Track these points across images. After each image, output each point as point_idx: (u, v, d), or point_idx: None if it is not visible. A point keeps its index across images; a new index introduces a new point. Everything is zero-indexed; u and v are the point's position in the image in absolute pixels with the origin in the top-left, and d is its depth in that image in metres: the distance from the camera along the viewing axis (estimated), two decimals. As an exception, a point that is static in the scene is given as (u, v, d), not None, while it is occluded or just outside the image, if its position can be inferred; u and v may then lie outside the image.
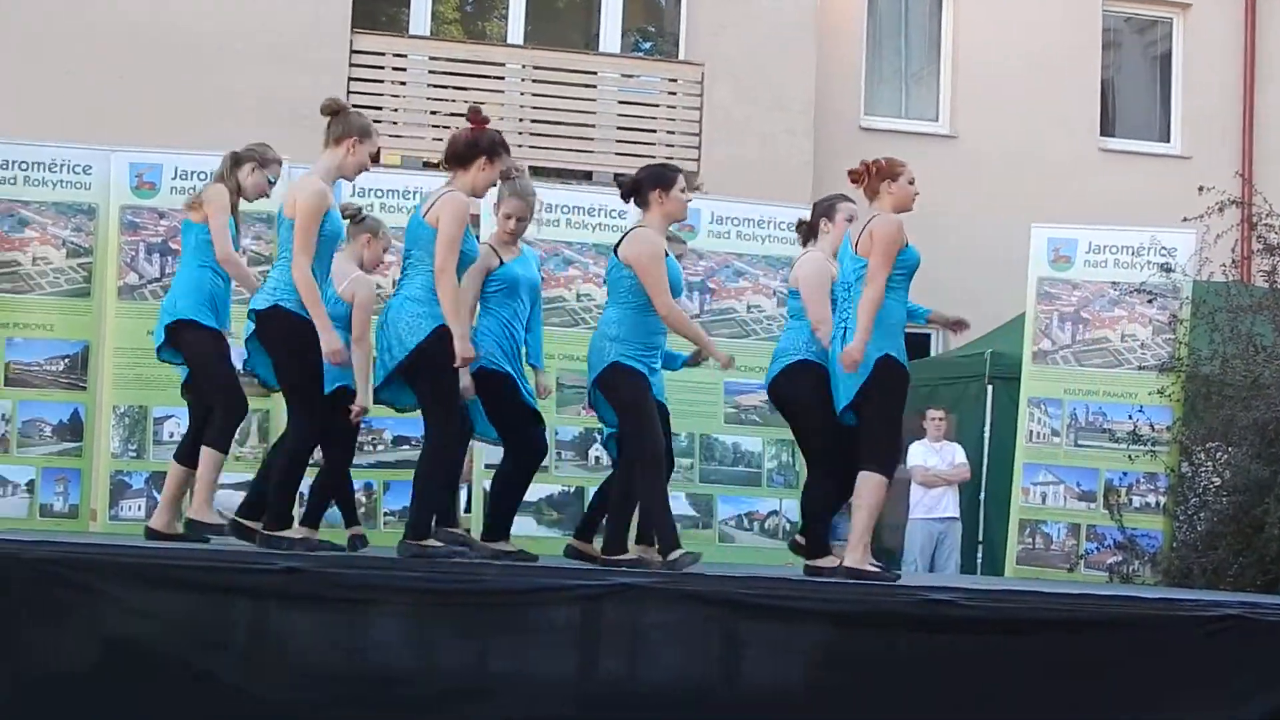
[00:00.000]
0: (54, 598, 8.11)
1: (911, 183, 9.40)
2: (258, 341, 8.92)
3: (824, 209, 9.98)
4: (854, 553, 9.10)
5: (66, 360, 11.89)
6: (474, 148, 9.10)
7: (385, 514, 11.74)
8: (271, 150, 9.75)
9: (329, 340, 8.74)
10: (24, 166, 12.00)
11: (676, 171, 9.53)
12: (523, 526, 11.63)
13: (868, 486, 9.10)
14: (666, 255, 9.26)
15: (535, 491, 11.78)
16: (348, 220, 9.90)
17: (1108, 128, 20.37)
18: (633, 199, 9.55)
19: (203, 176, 11.19)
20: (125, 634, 8.14)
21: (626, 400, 9.23)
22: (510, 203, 9.70)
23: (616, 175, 9.84)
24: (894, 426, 9.34)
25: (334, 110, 9.27)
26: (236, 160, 9.87)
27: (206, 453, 9.38)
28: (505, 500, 9.74)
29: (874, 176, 9.37)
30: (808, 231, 10.10)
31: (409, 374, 8.76)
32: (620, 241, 9.42)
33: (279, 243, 8.99)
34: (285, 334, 8.80)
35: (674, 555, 9.03)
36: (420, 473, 8.84)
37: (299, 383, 8.87)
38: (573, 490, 11.96)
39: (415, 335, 8.65)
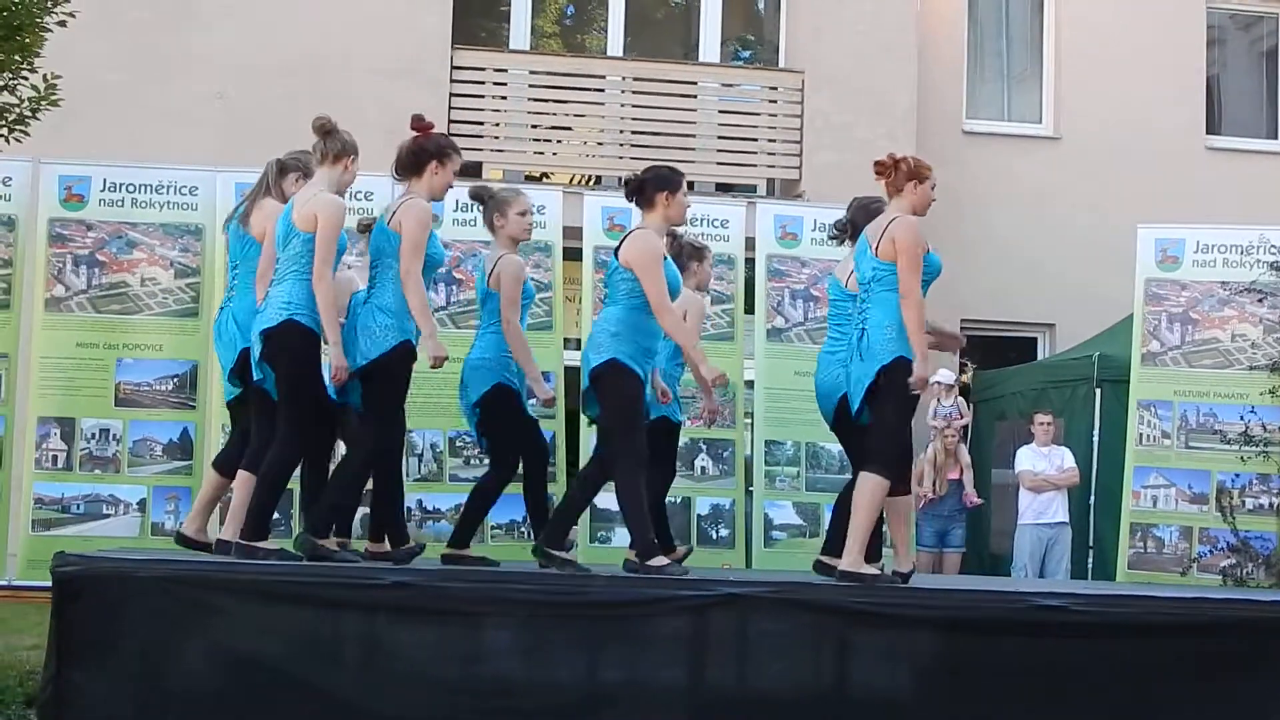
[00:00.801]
0: (170, 615, 8.22)
1: (933, 188, 9.37)
2: (268, 359, 8.92)
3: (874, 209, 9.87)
4: (849, 555, 8.94)
5: (175, 380, 12.04)
6: (422, 154, 9.25)
7: (492, 527, 11.77)
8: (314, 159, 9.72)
9: (338, 357, 8.85)
10: (131, 189, 12.17)
11: (681, 175, 9.47)
12: (628, 538, 11.68)
13: (867, 487, 8.94)
14: (665, 258, 9.23)
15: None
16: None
17: (1213, 126, 20.11)
18: (635, 199, 9.41)
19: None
20: (240, 650, 8.24)
21: (617, 398, 9.12)
22: (519, 202, 9.84)
23: (621, 178, 9.68)
24: (902, 429, 9.18)
25: (328, 130, 9.26)
26: (282, 169, 9.81)
27: (246, 475, 9.26)
28: (483, 511, 9.85)
29: (901, 174, 9.29)
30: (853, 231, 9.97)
31: (365, 379, 8.91)
32: (620, 243, 9.35)
33: (289, 258, 8.90)
34: (299, 348, 8.87)
35: (654, 562, 8.96)
36: (342, 476, 9.09)
37: (303, 398, 8.91)
38: (678, 500, 11.94)
39: (379, 346, 8.83)
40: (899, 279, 8.93)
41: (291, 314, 8.81)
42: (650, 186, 9.31)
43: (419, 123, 9.37)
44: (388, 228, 8.99)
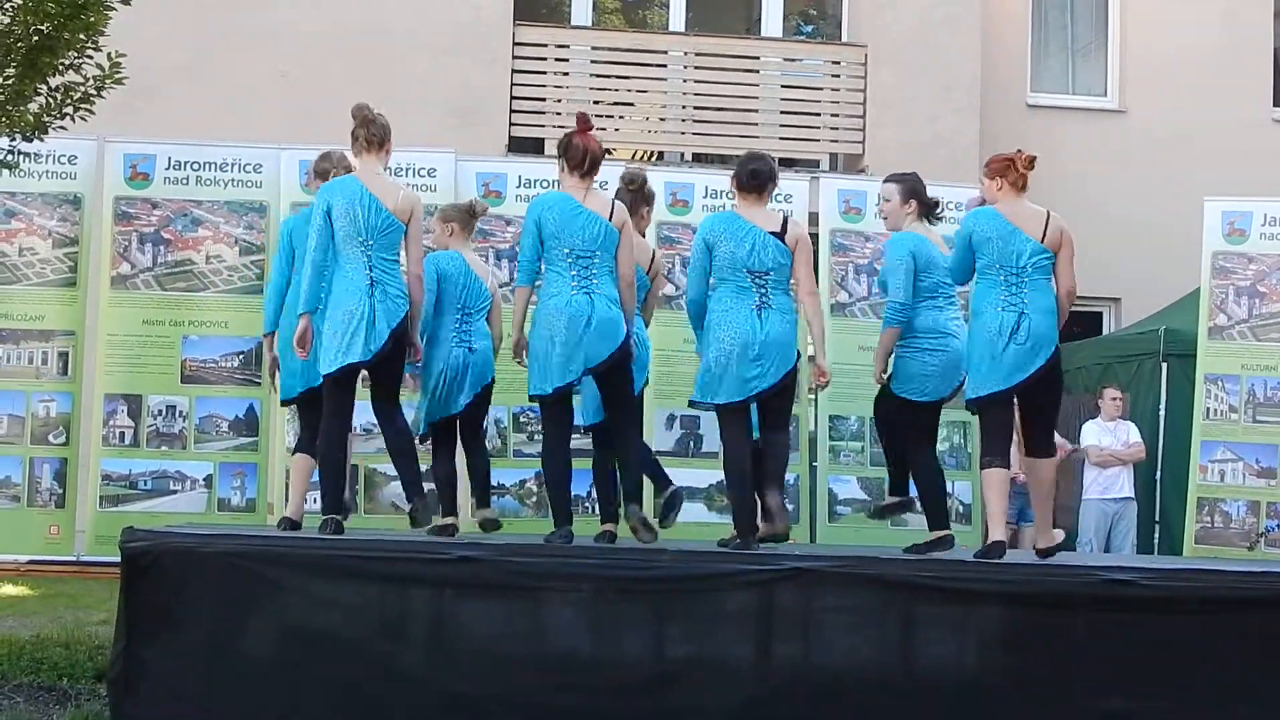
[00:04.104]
0: (237, 590, 8.26)
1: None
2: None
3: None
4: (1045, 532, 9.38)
5: (241, 356, 12.09)
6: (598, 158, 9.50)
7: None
8: (348, 157, 9.70)
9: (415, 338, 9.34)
10: (195, 167, 12.22)
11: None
12: (694, 513, 11.69)
13: (1050, 466, 9.45)
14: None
15: (706, 477, 11.85)
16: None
17: (1281, 97, 19.99)
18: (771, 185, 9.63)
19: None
20: (306, 625, 8.28)
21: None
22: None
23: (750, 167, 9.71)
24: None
25: (369, 118, 9.31)
26: (321, 174, 9.89)
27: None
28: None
29: (1022, 172, 9.30)
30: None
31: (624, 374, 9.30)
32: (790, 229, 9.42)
33: (389, 245, 9.11)
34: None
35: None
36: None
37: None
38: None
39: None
40: (1066, 267, 9.19)
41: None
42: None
43: (585, 123, 9.40)
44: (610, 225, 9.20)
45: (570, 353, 8.97)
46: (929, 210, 9.88)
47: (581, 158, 9.22)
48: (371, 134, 9.22)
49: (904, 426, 9.64)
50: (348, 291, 8.92)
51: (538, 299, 9.14)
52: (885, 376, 9.61)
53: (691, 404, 9.53)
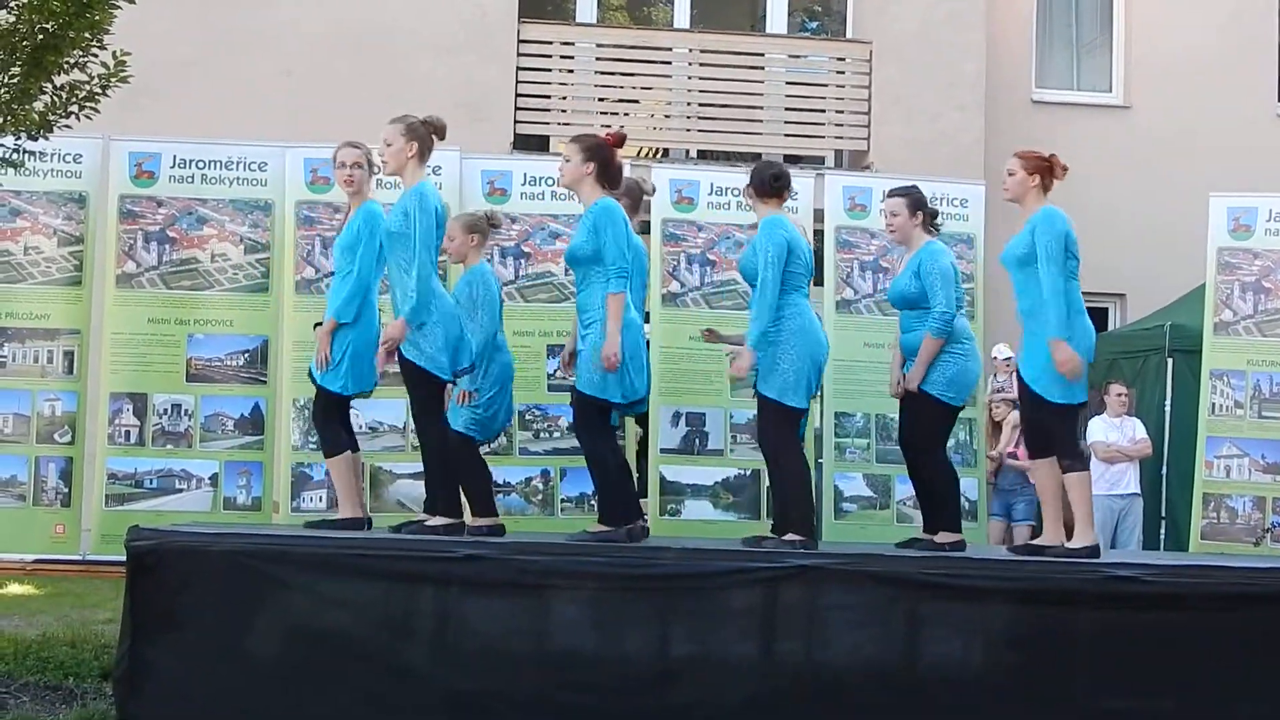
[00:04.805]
0: (242, 589, 8.27)
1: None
2: None
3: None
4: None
5: (246, 355, 12.07)
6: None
7: (562, 500, 11.80)
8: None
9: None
10: (201, 165, 12.19)
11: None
12: (699, 510, 11.70)
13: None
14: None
15: (711, 475, 11.84)
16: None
17: (1286, 93, 19.97)
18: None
19: (375, 169, 11.30)
20: (311, 623, 8.31)
21: None
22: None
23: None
24: None
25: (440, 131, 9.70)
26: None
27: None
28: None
29: (1058, 177, 9.54)
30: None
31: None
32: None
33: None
34: None
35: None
36: None
37: None
38: (749, 473, 11.93)
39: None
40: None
41: None
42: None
43: (616, 138, 9.58)
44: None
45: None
46: (930, 220, 10.01)
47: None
48: (423, 145, 9.66)
49: (925, 431, 9.78)
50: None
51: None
52: (901, 389, 9.75)
53: (773, 403, 9.56)
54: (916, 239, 9.97)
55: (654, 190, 10.73)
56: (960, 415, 10.31)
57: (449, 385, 9.54)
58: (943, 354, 9.67)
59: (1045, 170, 9.52)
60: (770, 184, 9.60)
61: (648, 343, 9.90)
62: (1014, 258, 9.41)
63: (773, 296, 9.33)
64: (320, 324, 9.79)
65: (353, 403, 10.00)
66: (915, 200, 10.05)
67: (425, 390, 9.39)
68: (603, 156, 9.36)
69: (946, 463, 9.94)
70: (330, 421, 9.79)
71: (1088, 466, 9.63)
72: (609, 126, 17.69)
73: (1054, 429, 9.33)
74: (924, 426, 9.78)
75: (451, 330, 9.33)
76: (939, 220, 10.25)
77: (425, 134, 9.61)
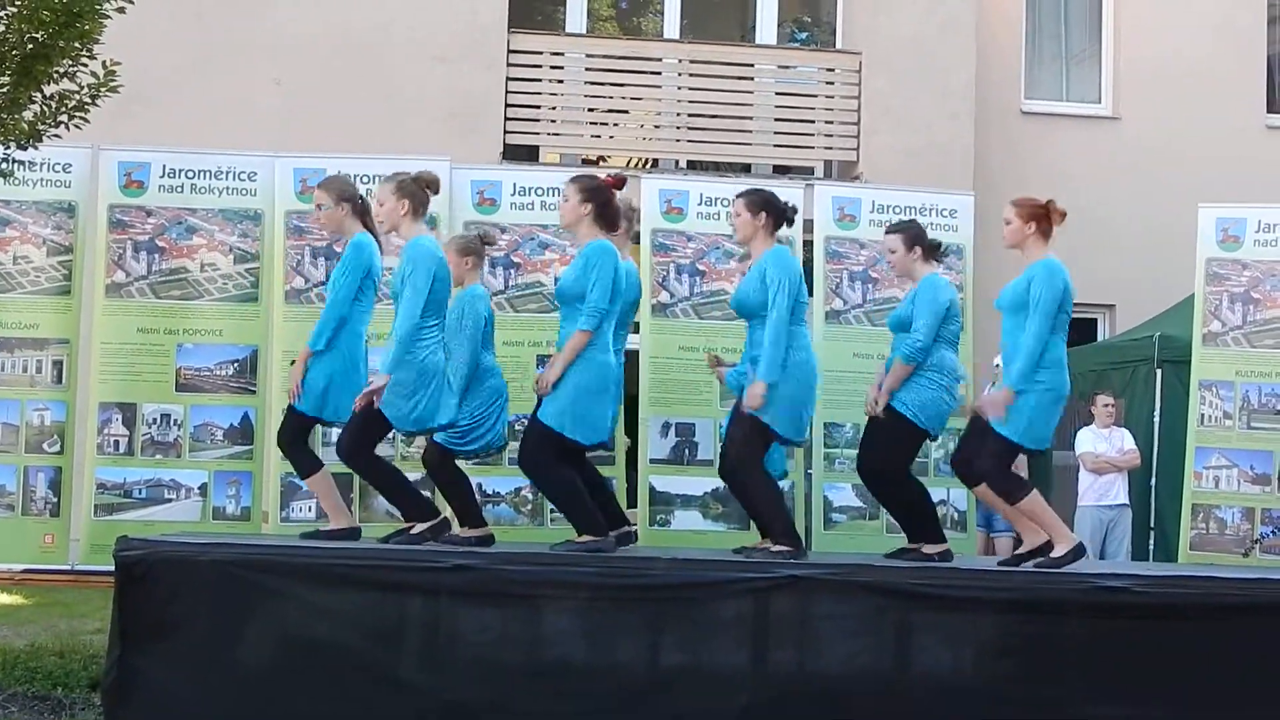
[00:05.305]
0: (232, 599, 8.27)
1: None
2: None
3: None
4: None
5: (236, 365, 12.08)
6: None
7: (551, 510, 11.78)
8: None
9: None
10: (190, 175, 12.20)
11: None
12: (688, 521, 11.71)
13: None
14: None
15: (701, 485, 11.85)
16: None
17: (1274, 104, 19.95)
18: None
19: (365, 179, 11.32)
20: (301, 633, 8.30)
21: None
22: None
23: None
24: None
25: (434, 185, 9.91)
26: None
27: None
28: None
29: (1055, 224, 9.80)
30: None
31: None
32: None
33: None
34: None
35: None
36: None
37: None
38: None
39: None
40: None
41: None
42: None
43: (616, 181, 9.73)
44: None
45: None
46: (933, 253, 10.04)
47: None
48: (417, 200, 9.73)
49: (896, 451, 9.80)
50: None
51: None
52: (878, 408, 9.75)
53: (777, 438, 9.65)
54: (918, 271, 9.99)
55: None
56: (950, 426, 10.32)
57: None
58: (923, 379, 9.67)
59: (1042, 217, 9.54)
60: (782, 216, 9.82)
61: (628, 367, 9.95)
62: (1008, 305, 9.43)
63: (785, 326, 9.35)
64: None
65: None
66: (913, 235, 10.07)
67: (376, 426, 9.49)
68: (601, 198, 9.42)
69: (911, 480, 9.94)
70: (297, 443, 9.77)
71: (1028, 485, 9.57)
72: (598, 137, 17.76)
73: (987, 459, 9.38)
74: (888, 445, 9.76)
75: (424, 390, 9.38)
76: (944, 250, 10.28)
77: (416, 190, 9.64)
